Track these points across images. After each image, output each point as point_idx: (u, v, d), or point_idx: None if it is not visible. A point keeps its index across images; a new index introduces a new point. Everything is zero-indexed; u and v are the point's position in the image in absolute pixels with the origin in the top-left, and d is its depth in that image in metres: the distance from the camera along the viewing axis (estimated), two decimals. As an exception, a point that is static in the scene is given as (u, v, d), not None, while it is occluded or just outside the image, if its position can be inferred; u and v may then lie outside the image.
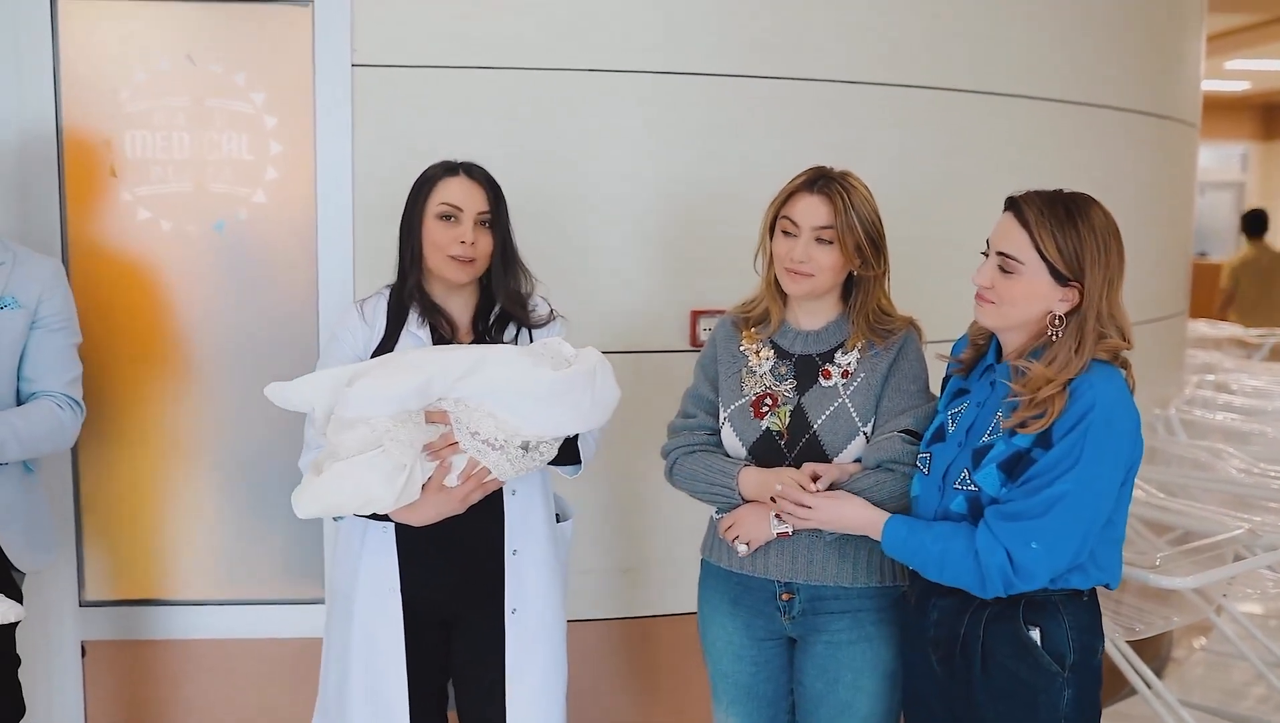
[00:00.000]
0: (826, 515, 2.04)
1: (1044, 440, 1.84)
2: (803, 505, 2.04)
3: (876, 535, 2.02)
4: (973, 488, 1.91)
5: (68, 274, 2.80)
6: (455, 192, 2.19)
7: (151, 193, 2.84)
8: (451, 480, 2.09)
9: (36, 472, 2.40)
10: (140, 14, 2.81)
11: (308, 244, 2.86)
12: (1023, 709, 1.92)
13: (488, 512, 2.18)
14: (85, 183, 2.83)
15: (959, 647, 1.96)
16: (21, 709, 2.39)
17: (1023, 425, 1.85)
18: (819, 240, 2.12)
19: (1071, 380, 1.84)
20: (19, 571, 2.36)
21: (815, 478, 2.08)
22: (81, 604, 2.92)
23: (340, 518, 2.20)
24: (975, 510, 1.92)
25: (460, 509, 2.11)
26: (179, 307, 2.89)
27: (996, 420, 1.92)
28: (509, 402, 2.05)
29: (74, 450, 2.87)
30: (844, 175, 2.16)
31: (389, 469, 2.01)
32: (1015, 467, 1.87)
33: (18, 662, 2.36)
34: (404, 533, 2.17)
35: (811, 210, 2.12)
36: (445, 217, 2.18)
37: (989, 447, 1.91)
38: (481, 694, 2.26)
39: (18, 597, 2.33)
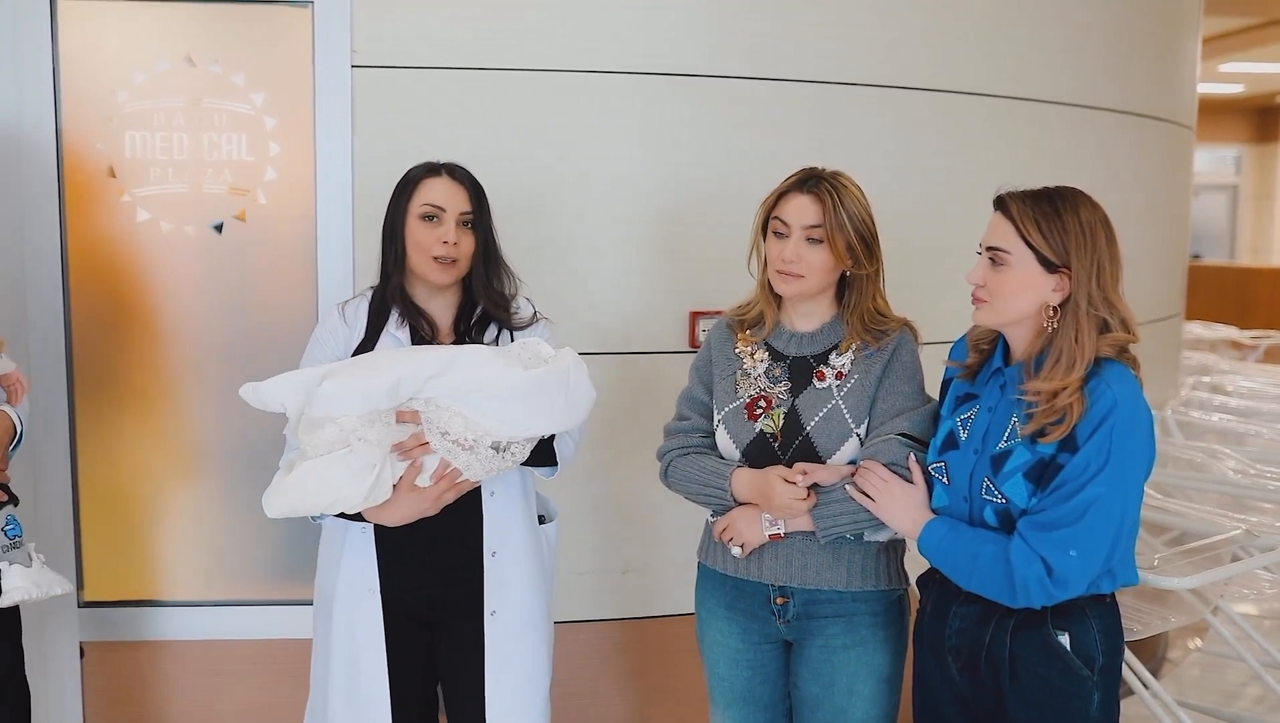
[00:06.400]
0: (888, 501, 2.02)
1: (1068, 444, 1.83)
2: (874, 487, 2.03)
3: (914, 536, 2.00)
4: (1000, 500, 1.90)
5: (66, 274, 2.82)
6: (438, 192, 2.19)
7: (150, 193, 2.84)
8: (423, 481, 2.08)
9: None
10: (140, 15, 2.81)
11: (307, 245, 2.86)
12: (1054, 716, 1.90)
13: (467, 513, 2.18)
14: (84, 184, 2.82)
15: (984, 655, 1.95)
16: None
17: (1042, 433, 1.84)
18: (809, 240, 2.11)
19: (1086, 382, 1.83)
20: None
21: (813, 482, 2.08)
22: (80, 605, 2.92)
23: (318, 519, 2.20)
24: (1006, 523, 1.90)
25: (434, 510, 2.10)
26: (178, 307, 2.89)
27: (1012, 425, 1.91)
28: (479, 402, 2.05)
29: (73, 451, 2.87)
30: (835, 175, 2.15)
31: (357, 468, 2.01)
32: (1043, 475, 1.85)
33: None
34: (383, 534, 2.17)
35: (801, 210, 2.12)
36: (428, 217, 2.18)
37: (1007, 453, 1.90)
38: (464, 697, 2.26)
39: None
